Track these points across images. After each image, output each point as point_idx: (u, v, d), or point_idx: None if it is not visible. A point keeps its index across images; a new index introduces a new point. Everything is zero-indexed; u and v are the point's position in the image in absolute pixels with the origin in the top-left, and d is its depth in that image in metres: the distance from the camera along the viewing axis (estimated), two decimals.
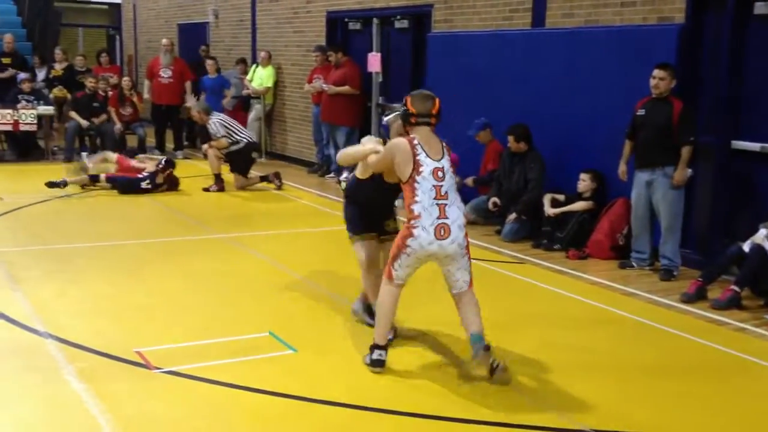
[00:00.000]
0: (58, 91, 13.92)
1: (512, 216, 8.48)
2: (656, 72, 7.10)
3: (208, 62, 14.16)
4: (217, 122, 10.95)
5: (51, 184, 10.26)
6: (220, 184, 10.98)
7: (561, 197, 8.27)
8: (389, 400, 4.38)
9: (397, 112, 5.02)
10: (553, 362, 5.06)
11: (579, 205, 8.05)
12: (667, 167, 7.07)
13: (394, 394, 4.49)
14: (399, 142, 4.76)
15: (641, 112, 7.26)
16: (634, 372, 5.00)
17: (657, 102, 7.15)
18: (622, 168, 7.46)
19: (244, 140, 11.04)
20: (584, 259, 7.77)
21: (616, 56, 7.98)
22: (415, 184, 4.65)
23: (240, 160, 11.09)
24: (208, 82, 14.05)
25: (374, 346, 4.83)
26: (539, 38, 8.97)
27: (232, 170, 11.13)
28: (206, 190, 10.93)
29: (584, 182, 8.08)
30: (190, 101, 13.59)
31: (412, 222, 4.65)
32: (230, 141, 10.90)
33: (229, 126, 11.03)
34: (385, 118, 5.37)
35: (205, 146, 11.30)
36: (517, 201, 8.52)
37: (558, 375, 4.87)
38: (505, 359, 4.76)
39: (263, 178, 11.32)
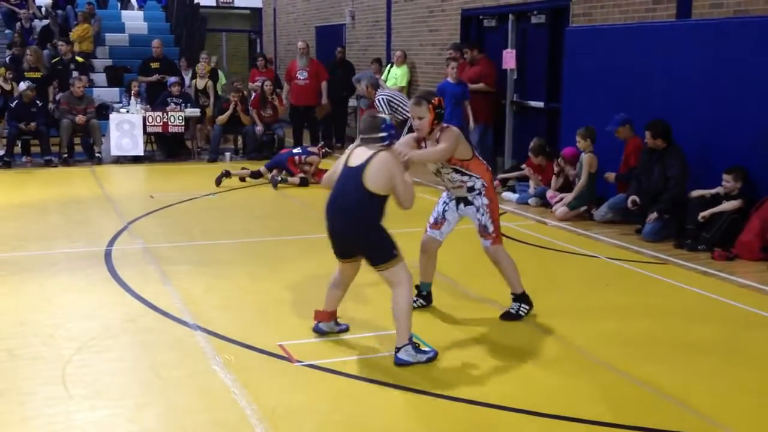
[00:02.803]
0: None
1: (653, 215, 8.19)
2: None
3: (452, 64, 11.60)
4: (383, 98, 10.23)
5: (218, 180, 11.00)
6: None
7: (708, 193, 7.89)
8: (530, 401, 4.34)
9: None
10: (698, 367, 4.89)
11: (729, 205, 7.66)
12: None
13: (537, 395, 4.45)
14: (457, 130, 5.45)
15: None
16: None
17: None
18: None
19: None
20: (731, 260, 7.41)
21: None
22: (477, 155, 5.60)
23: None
24: (448, 87, 11.46)
25: (524, 295, 5.72)
26: (685, 30, 8.62)
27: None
28: None
29: (728, 183, 7.70)
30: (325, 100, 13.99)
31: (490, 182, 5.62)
32: (398, 120, 9.76)
33: (395, 103, 10.16)
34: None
35: None
36: (657, 199, 8.23)
37: (703, 381, 4.69)
38: None
39: None
